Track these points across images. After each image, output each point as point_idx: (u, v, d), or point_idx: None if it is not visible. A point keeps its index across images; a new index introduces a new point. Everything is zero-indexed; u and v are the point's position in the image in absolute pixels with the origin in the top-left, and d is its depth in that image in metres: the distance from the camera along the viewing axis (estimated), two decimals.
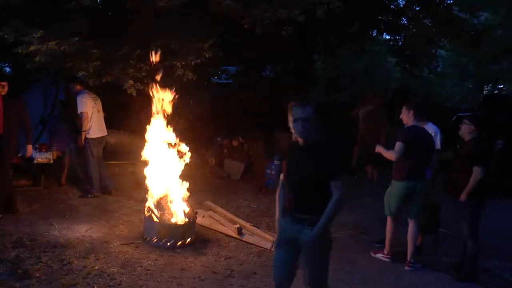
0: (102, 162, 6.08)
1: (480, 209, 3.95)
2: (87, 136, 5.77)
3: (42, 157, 5.93)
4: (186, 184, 4.79)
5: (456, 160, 4.18)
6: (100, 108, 5.98)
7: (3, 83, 4.77)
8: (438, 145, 4.56)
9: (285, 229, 2.71)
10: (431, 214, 4.43)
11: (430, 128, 4.54)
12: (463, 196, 3.87)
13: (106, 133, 6.09)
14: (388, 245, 4.39)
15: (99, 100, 6.00)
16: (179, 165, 4.79)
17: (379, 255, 4.44)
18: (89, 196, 5.81)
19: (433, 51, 11.54)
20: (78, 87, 5.82)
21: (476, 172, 3.79)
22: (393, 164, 4.28)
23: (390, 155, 4.22)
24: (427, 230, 4.50)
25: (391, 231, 4.37)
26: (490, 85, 17.34)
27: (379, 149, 4.37)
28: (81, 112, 5.71)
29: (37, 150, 5.99)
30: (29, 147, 5.14)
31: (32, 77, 7.19)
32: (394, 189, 4.27)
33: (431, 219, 4.45)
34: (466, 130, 4.01)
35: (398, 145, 4.15)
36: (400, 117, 4.49)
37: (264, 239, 4.62)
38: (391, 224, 4.36)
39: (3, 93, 4.75)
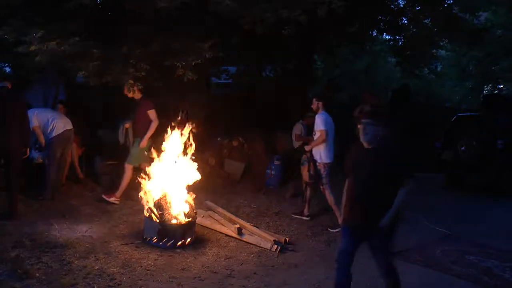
0: (63, 164, 5.91)
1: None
2: (52, 135, 5.58)
3: (42, 157, 5.91)
4: (186, 184, 4.79)
5: (359, 172, 3.07)
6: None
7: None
8: (318, 126, 5.44)
9: None
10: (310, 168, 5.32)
11: (320, 116, 5.49)
12: (387, 221, 2.89)
13: (71, 126, 5.84)
14: (122, 190, 5.68)
15: None
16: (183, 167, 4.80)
17: (112, 199, 5.65)
18: (40, 198, 5.44)
19: (433, 51, 11.51)
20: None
21: (408, 186, 2.93)
22: (138, 125, 5.72)
23: (154, 125, 5.58)
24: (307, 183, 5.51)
25: (129, 178, 5.62)
26: (490, 85, 17.33)
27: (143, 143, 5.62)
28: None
29: (37, 150, 5.98)
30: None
31: (32, 77, 7.19)
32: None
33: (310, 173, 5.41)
34: (374, 133, 3.00)
35: (154, 112, 5.61)
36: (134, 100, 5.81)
37: (264, 239, 4.62)
38: (130, 172, 5.63)
39: None
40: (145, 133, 5.63)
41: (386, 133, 3.11)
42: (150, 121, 5.63)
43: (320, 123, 5.47)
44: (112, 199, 5.64)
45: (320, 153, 5.48)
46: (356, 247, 3.07)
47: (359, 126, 3.04)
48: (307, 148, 5.73)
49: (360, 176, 3.04)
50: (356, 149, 3.14)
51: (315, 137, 5.50)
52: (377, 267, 3.09)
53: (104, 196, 5.66)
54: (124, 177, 5.68)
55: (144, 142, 5.60)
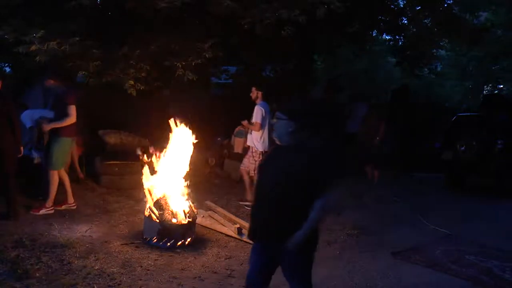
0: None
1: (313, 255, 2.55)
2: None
3: (41, 157, 5.91)
4: (186, 184, 4.79)
5: (264, 174, 2.55)
6: None
7: None
8: (255, 118, 5.74)
9: None
10: None
11: (260, 109, 5.72)
12: (297, 240, 2.32)
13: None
14: (52, 197, 5.02)
15: None
16: (181, 165, 4.80)
17: (43, 211, 4.94)
18: (40, 198, 5.21)
19: (433, 51, 11.52)
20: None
21: (327, 198, 2.31)
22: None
23: (67, 120, 4.87)
24: None
25: (56, 184, 5.01)
26: (490, 85, 17.34)
27: None
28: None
29: (37, 150, 5.98)
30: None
31: (32, 77, 7.20)
32: (64, 145, 5.00)
33: None
34: (283, 129, 2.45)
35: (73, 108, 4.89)
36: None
37: None
38: (57, 177, 5.02)
39: None
40: (66, 131, 4.97)
41: (304, 131, 2.43)
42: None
43: (257, 115, 5.72)
44: (42, 212, 4.95)
45: (254, 141, 5.82)
46: (266, 264, 2.55)
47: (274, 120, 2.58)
48: (243, 122, 5.98)
49: (263, 180, 2.49)
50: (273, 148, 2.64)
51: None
52: None
53: (32, 212, 4.93)
54: (51, 185, 5.00)
55: (48, 127, 4.94)
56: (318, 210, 2.30)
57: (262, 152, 5.84)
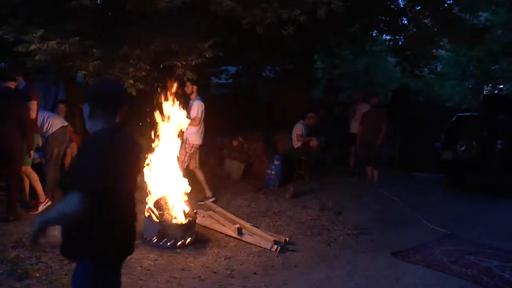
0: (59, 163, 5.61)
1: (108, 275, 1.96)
2: (49, 132, 5.41)
3: (40, 157, 5.91)
4: (186, 184, 4.79)
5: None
6: None
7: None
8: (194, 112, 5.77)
9: None
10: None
11: (198, 103, 5.83)
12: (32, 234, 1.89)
13: (67, 123, 5.74)
14: (41, 190, 4.99)
15: None
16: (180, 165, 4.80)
17: (40, 208, 4.94)
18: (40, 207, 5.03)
19: (433, 51, 11.52)
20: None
21: (72, 199, 1.78)
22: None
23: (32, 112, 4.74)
24: None
25: (36, 177, 5.00)
26: (490, 85, 17.34)
27: None
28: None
29: (37, 150, 5.97)
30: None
31: (32, 77, 7.19)
32: None
33: None
34: (84, 113, 2.09)
35: (33, 103, 4.85)
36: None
37: (264, 239, 4.62)
38: (33, 173, 4.99)
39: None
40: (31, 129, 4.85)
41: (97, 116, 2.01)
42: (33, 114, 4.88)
43: (196, 109, 5.77)
44: (40, 208, 4.95)
45: (189, 135, 5.78)
46: None
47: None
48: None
49: None
50: None
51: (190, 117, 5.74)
52: None
53: (32, 212, 4.91)
54: (32, 182, 4.99)
55: None
56: (64, 205, 1.83)
57: (198, 145, 5.88)
